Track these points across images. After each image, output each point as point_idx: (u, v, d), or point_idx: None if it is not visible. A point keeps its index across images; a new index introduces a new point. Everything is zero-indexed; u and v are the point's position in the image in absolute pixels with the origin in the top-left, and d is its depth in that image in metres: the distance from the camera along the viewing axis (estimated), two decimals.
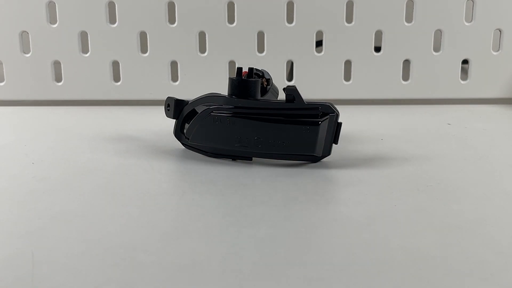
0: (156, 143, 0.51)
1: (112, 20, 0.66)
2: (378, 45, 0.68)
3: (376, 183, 0.41)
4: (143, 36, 0.67)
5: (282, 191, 0.39)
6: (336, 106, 0.43)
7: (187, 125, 0.47)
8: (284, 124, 0.43)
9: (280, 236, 0.32)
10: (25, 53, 0.67)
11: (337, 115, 0.43)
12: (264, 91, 0.50)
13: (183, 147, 0.48)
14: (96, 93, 0.68)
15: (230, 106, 0.44)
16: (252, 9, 0.66)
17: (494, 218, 0.35)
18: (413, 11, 0.66)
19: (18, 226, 0.33)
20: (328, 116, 0.43)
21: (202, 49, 0.67)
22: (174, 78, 0.68)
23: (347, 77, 0.68)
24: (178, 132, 0.48)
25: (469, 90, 0.69)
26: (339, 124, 0.44)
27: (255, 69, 0.48)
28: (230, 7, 0.66)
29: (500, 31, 0.67)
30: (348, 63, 0.68)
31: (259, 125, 0.43)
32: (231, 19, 0.67)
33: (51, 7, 0.66)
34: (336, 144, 0.44)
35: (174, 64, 0.68)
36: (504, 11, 0.66)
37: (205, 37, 0.67)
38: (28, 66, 0.67)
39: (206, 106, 0.45)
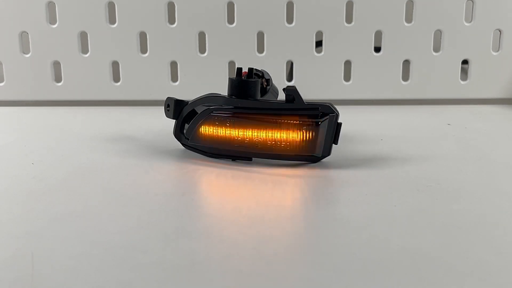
0: (156, 143, 0.51)
1: (112, 20, 0.66)
2: (378, 45, 0.68)
3: (376, 183, 0.41)
4: (143, 36, 0.67)
5: (282, 191, 0.39)
6: (336, 106, 0.43)
7: (187, 126, 0.47)
8: (284, 124, 0.43)
9: (280, 236, 0.32)
10: (25, 53, 0.67)
11: (337, 116, 0.43)
12: (264, 91, 0.50)
13: (183, 147, 0.48)
14: (96, 93, 0.68)
15: (230, 106, 0.44)
16: (252, 9, 0.66)
17: (494, 218, 0.35)
18: (413, 11, 0.66)
19: (18, 226, 0.33)
20: (328, 116, 0.43)
21: (202, 49, 0.67)
22: (174, 78, 0.68)
23: (347, 77, 0.68)
24: (178, 133, 0.48)
25: (469, 90, 0.69)
26: (339, 125, 0.43)
27: (255, 69, 0.48)
28: (230, 7, 0.66)
29: (500, 31, 0.67)
30: (348, 63, 0.68)
31: (259, 125, 0.43)
32: (231, 19, 0.67)
33: (51, 7, 0.66)
34: (336, 144, 0.44)
35: (174, 64, 0.68)
36: (504, 11, 0.66)
37: (205, 37, 0.67)
38: (28, 66, 0.67)
39: (206, 106, 0.45)
